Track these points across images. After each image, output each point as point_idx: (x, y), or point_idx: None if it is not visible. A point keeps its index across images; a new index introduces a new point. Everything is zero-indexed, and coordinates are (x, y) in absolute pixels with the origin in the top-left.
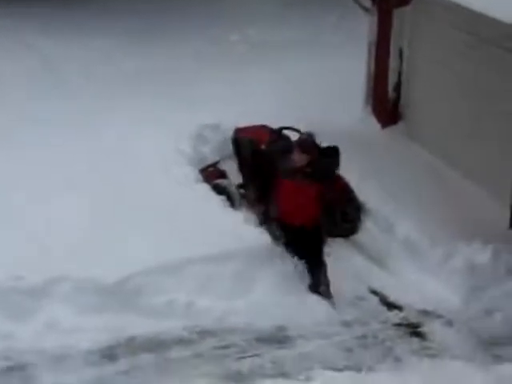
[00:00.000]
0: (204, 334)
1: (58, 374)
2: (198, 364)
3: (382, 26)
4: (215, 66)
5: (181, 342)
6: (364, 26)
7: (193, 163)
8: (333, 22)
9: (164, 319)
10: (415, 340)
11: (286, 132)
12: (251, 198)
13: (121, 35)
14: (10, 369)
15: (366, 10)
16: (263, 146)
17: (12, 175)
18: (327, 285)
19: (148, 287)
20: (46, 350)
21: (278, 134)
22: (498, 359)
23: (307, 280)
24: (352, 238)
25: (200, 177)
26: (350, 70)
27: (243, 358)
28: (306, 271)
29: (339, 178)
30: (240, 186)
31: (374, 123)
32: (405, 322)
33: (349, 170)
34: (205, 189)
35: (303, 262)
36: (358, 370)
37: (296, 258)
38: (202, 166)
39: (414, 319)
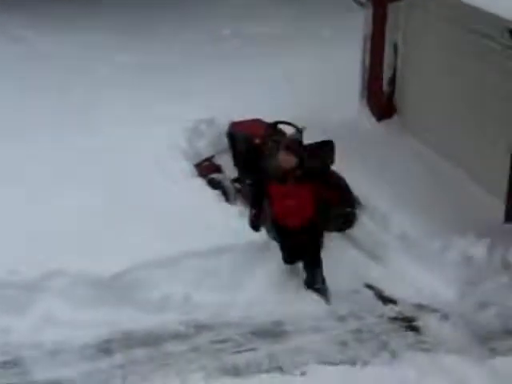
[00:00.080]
0: (200, 328)
1: (54, 368)
2: (194, 358)
3: (376, 20)
4: (210, 60)
5: (177, 336)
6: (359, 20)
7: (188, 157)
8: (327, 16)
9: (160, 313)
10: (410, 334)
11: (281, 126)
12: (246, 193)
13: (113, 29)
14: (7, 363)
15: (360, 4)
16: (257, 140)
17: (5, 171)
18: (323, 280)
19: (144, 281)
20: (43, 343)
21: (273, 128)
22: (493, 353)
23: (303, 275)
24: (347, 232)
25: (195, 171)
26: (345, 63)
27: (239, 352)
28: (302, 267)
29: (333, 173)
30: (235, 180)
31: (369, 116)
32: (400, 316)
33: (344, 164)
34: (200, 183)
35: (300, 261)
36: (353, 364)
37: (292, 259)
38: (197, 160)
39: (409, 313)
